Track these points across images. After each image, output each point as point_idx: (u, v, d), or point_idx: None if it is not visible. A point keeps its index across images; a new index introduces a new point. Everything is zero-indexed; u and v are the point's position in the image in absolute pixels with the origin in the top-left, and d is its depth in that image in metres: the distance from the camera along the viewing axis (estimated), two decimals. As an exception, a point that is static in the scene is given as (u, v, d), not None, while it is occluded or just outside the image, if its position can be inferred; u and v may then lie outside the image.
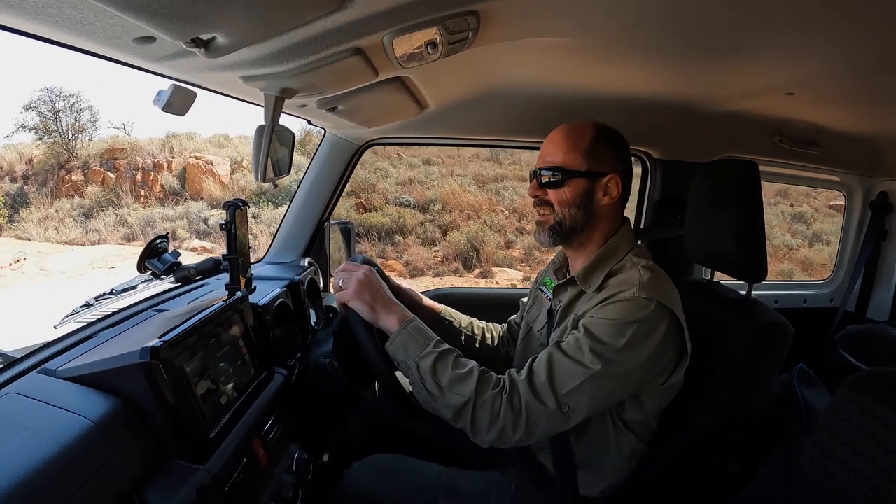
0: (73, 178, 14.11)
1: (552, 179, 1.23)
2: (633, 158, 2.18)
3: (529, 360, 1.14)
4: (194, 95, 1.16)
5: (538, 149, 1.32)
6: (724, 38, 1.11)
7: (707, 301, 1.40)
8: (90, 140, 15.11)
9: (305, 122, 1.73)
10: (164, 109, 1.12)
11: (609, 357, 1.06)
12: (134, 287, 1.50)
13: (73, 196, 13.66)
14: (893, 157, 2.27)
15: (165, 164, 14.08)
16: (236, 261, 1.29)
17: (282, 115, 1.19)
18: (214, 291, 1.53)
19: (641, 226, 2.26)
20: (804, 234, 12.22)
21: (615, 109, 1.68)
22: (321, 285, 1.94)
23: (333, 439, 1.59)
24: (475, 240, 11.13)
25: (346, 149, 1.99)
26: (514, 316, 1.66)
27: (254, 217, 11.84)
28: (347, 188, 2.08)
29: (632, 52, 1.25)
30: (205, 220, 12.40)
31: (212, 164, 13.84)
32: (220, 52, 0.86)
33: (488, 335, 1.64)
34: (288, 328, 1.49)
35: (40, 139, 14.85)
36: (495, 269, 10.59)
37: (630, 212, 2.17)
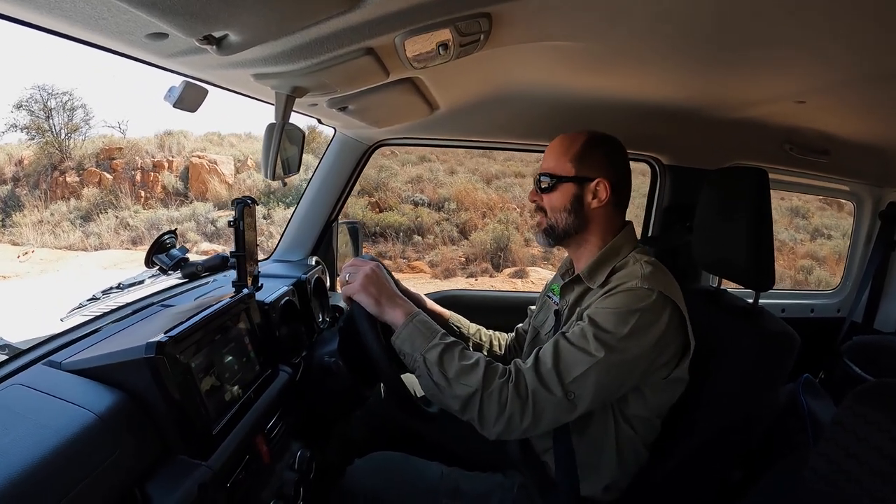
0: (68, 179, 13.66)
1: (546, 185, 1.30)
2: (642, 164, 2.21)
3: (535, 349, 1.16)
4: (205, 92, 1.17)
5: None
6: (735, 44, 1.10)
7: (714, 308, 1.40)
8: (84, 139, 14.67)
9: (310, 120, 1.73)
10: (175, 105, 1.13)
11: (613, 344, 1.08)
12: (141, 282, 1.51)
13: (68, 198, 13.29)
14: None
15: (166, 164, 13.79)
16: (244, 258, 1.30)
17: (292, 113, 1.19)
18: (221, 288, 1.54)
19: (650, 232, 2.25)
20: (805, 228, 12.21)
21: (625, 114, 1.68)
22: (328, 284, 1.95)
23: (337, 438, 1.59)
24: (501, 238, 11.10)
25: (355, 148, 1.99)
26: (521, 324, 1.67)
27: (265, 217, 11.73)
28: (358, 187, 2.09)
29: (643, 57, 1.24)
30: (213, 222, 12.16)
31: (216, 163, 13.54)
32: (232, 50, 0.86)
33: (496, 342, 1.66)
34: (294, 326, 1.49)
35: (32, 139, 14.41)
36: (529, 269, 10.57)
37: (639, 218, 2.16)
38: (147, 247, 1.47)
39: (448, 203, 12.07)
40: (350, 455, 1.43)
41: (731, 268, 1.35)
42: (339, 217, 2.13)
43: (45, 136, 14.24)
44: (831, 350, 2.49)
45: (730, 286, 1.59)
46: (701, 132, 1.87)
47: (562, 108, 1.70)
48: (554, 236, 1.32)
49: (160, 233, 1.47)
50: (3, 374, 0.95)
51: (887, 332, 2.61)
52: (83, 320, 1.25)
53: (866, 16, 0.91)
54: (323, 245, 2.09)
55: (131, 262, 10.24)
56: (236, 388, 1.13)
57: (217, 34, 0.80)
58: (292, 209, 2.10)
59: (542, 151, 1.44)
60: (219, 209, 12.58)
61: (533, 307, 1.61)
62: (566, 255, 1.45)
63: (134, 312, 1.29)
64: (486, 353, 1.60)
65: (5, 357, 1.04)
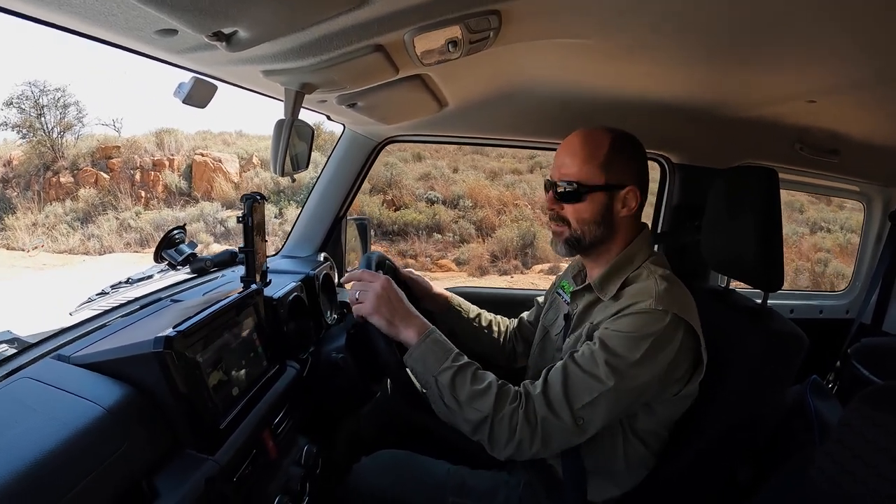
0: (62, 179, 13.06)
1: (569, 191, 1.21)
2: (651, 162, 2.20)
3: (545, 370, 1.14)
4: (215, 88, 1.17)
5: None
6: (746, 43, 1.10)
7: (722, 308, 1.39)
8: (77, 138, 14.02)
9: (318, 117, 1.74)
10: (184, 102, 1.13)
11: (623, 370, 1.06)
12: (150, 277, 1.52)
13: (63, 200, 12.72)
14: None
15: (167, 163, 13.25)
16: (252, 253, 1.30)
17: (301, 110, 1.19)
18: (230, 283, 1.54)
19: (658, 230, 2.24)
20: (804, 221, 12.18)
21: (635, 112, 1.67)
22: (336, 280, 1.95)
23: (344, 435, 1.59)
24: (527, 235, 11.05)
25: (364, 145, 1.99)
26: (526, 313, 1.66)
27: (276, 216, 11.60)
28: (369, 184, 2.10)
29: (653, 55, 1.23)
30: (222, 222, 11.83)
31: (220, 161, 13.12)
32: (241, 46, 0.86)
33: (495, 327, 1.65)
34: (301, 322, 1.50)
35: (23, 138, 13.69)
36: (562, 265, 10.48)
37: (647, 216, 2.16)
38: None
39: (462, 200, 12.00)
40: (357, 453, 1.44)
41: (739, 267, 1.34)
42: (349, 213, 2.13)
43: (37, 134, 13.59)
44: (839, 352, 2.48)
45: (738, 286, 1.59)
46: (711, 131, 1.87)
47: (571, 105, 1.69)
48: (579, 248, 1.25)
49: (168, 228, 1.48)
50: (13, 367, 0.96)
51: (896, 334, 2.59)
52: (92, 314, 1.26)
53: (879, 16, 0.91)
54: (332, 241, 2.09)
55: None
56: (244, 382, 1.14)
57: (226, 30, 0.80)
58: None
59: (552, 149, 1.42)
60: (227, 209, 12.29)
61: (540, 299, 1.61)
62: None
63: (143, 307, 1.30)
64: (483, 337, 1.62)
65: (14, 351, 1.05)
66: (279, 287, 1.46)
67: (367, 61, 1.03)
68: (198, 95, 1.14)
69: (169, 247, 1.42)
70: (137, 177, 13.13)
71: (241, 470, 1.02)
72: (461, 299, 1.65)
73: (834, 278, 10.10)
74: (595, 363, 1.07)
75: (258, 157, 13.63)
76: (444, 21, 0.93)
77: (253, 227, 1.29)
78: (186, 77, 1.12)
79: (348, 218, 2.13)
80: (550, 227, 1.29)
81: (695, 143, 2.03)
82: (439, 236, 11.12)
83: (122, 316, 1.24)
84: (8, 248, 11.71)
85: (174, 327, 0.96)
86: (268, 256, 1.50)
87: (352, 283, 1.26)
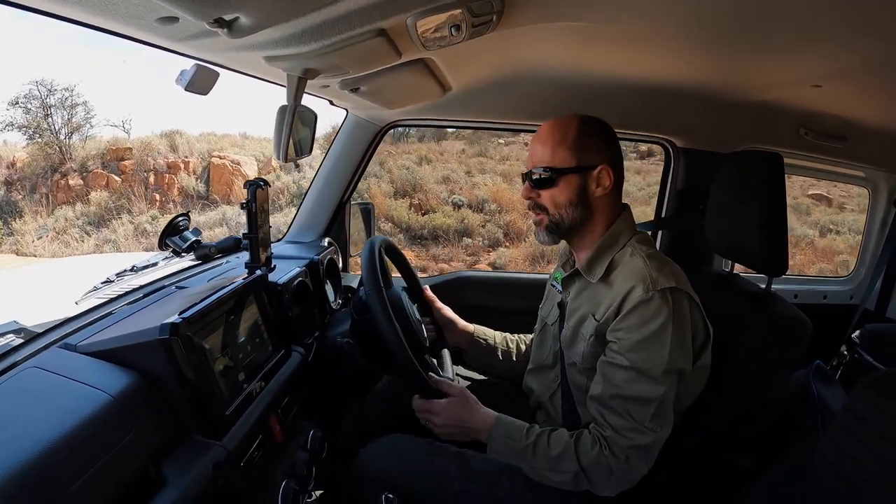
0: (70, 182, 12.47)
1: (543, 178, 1.24)
2: (655, 147, 2.19)
3: (600, 413, 1.18)
4: (217, 75, 1.17)
5: None
6: (751, 26, 1.09)
7: (726, 293, 1.39)
8: (85, 139, 13.40)
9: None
10: (186, 89, 1.13)
11: (664, 371, 1.11)
12: (155, 264, 1.52)
13: (73, 203, 12.18)
14: None
15: (182, 165, 12.74)
16: (256, 239, 1.31)
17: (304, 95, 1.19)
18: (234, 269, 1.55)
19: (663, 214, 2.24)
20: (813, 223, 12.11)
21: (640, 96, 1.66)
22: (340, 265, 1.96)
23: (349, 420, 1.60)
24: None
25: (367, 130, 1.99)
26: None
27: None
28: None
29: (657, 39, 1.22)
30: None
31: (239, 164, 12.66)
32: (242, 33, 0.86)
33: (522, 346, 1.68)
34: (306, 307, 1.50)
35: (29, 139, 13.16)
36: None
37: (652, 201, 2.14)
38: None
39: (487, 204, 11.78)
40: (363, 438, 1.45)
41: (744, 252, 1.34)
42: (351, 198, 2.14)
43: (44, 135, 13.00)
44: (843, 337, 2.48)
45: (742, 271, 1.58)
46: (715, 115, 1.85)
47: (575, 89, 1.68)
48: (559, 233, 1.28)
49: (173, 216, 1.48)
50: (20, 357, 0.96)
51: (900, 320, 2.59)
52: (98, 303, 1.26)
53: (885, 0, 0.90)
54: (336, 226, 2.10)
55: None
56: (249, 368, 1.14)
57: (228, 17, 0.80)
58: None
59: None
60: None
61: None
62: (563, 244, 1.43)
63: (148, 294, 1.30)
64: (514, 359, 1.66)
65: (21, 341, 1.05)
66: (284, 273, 1.46)
67: (369, 46, 1.02)
68: (200, 82, 1.14)
69: (173, 234, 1.43)
70: (151, 179, 12.70)
71: (248, 455, 1.03)
72: (483, 328, 1.69)
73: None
74: (637, 382, 1.12)
75: (277, 161, 13.14)
76: (446, 5, 0.92)
77: (257, 213, 1.29)
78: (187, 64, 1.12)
79: (352, 203, 2.13)
80: (532, 217, 1.32)
81: (699, 127, 2.01)
82: (469, 240, 10.95)
83: (127, 304, 1.25)
84: (17, 254, 11.32)
85: (180, 314, 0.96)
86: (272, 242, 1.50)
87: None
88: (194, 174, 12.75)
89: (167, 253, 1.48)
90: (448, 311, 1.67)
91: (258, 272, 1.30)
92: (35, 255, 11.15)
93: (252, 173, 12.60)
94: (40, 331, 1.10)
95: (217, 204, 12.25)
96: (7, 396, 0.83)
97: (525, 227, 10.90)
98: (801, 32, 1.09)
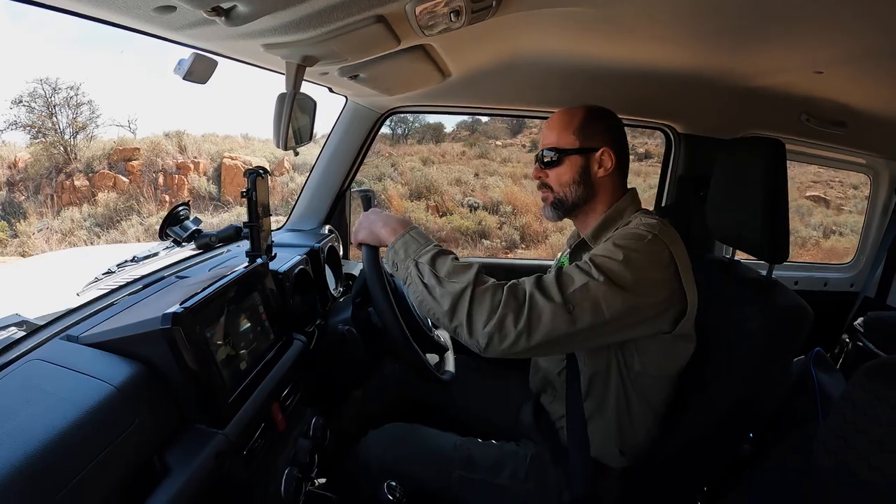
0: (76, 183, 12.16)
1: (551, 160, 1.31)
2: (656, 132, 2.18)
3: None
4: (215, 64, 1.16)
5: None
6: (752, 11, 1.08)
7: (727, 279, 1.39)
8: (90, 139, 13.06)
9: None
10: (185, 78, 1.12)
11: (612, 269, 1.06)
12: (155, 254, 1.52)
13: (79, 204, 11.89)
14: None
15: (192, 166, 12.49)
16: (257, 228, 1.30)
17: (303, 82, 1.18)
18: (235, 258, 1.55)
19: (664, 201, 2.24)
20: (816, 225, 12.13)
21: (640, 82, 1.66)
22: (341, 253, 1.96)
23: (351, 408, 1.61)
24: None
25: (367, 117, 1.99)
26: None
27: None
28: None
29: (657, 24, 1.22)
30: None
31: (251, 165, 12.22)
32: (240, 21, 0.85)
33: None
34: (307, 295, 1.50)
35: (34, 138, 12.76)
36: None
37: (653, 187, 2.14)
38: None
39: (502, 206, 11.73)
40: (365, 426, 1.45)
41: (745, 239, 1.33)
42: (352, 185, 2.14)
43: (49, 135, 12.63)
44: (843, 325, 2.48)
45: (743, 257, 1.58)
46: (716, 101, 1.85)
47: (575, 75, 1.68)
48: (563, 209, 1.33)
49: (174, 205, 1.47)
50: (23, 350, 0.96)
51: (900, 308, 2.59)
52: (99, 294, 1.26)
53: None
54: (336, 213, 2.10)
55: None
56: (251, 357, 1.15)
57: (225, 5, 0.79)
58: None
59: None
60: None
61: None
62: (573, 230, 1.46)
63: (149, 285, 1.31)
64: None
65: (24, 333, 1.05)
66: (284, 261, 1.47)
67: (368, 32, 1.01)
68: (198, 71, 1.13)
69: (173, 223, 1.42)
70: (161, 180, 12.42)
71: (251, 443, 1.03)
72: None
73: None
74: (586, 264, 1.09)
75: (289, 161, 12.86)
76: (446, -10, 0.91)
77: (257, 201, 1.29)
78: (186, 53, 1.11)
79: (352, 190, 2.13)
80: (540, 195, 1.37)
81: (700, 112, 2.01)
82: (488, 242, 10.94)
83: (129, 294, 1.25)
84: (23, 256, 10.87)
85: (181, 304, 0.96)
86: (273, 230, 1.50)
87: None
88: (205, 175, 12.60)
89: (168, 243, 1.48)
90: None
91: (259, 261, 1.30)
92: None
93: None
94: (42, 323, 1.10)
95: (230, 205, 12.13)
96: (10, 389, 0.83)
97: (541, 229, 10.94)
98: (804, 18, 1.08)
